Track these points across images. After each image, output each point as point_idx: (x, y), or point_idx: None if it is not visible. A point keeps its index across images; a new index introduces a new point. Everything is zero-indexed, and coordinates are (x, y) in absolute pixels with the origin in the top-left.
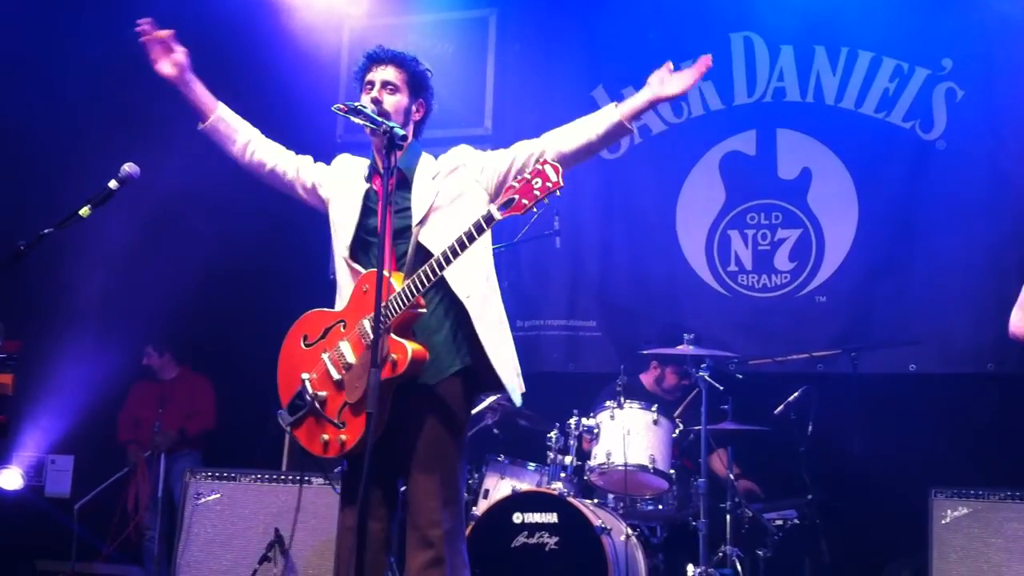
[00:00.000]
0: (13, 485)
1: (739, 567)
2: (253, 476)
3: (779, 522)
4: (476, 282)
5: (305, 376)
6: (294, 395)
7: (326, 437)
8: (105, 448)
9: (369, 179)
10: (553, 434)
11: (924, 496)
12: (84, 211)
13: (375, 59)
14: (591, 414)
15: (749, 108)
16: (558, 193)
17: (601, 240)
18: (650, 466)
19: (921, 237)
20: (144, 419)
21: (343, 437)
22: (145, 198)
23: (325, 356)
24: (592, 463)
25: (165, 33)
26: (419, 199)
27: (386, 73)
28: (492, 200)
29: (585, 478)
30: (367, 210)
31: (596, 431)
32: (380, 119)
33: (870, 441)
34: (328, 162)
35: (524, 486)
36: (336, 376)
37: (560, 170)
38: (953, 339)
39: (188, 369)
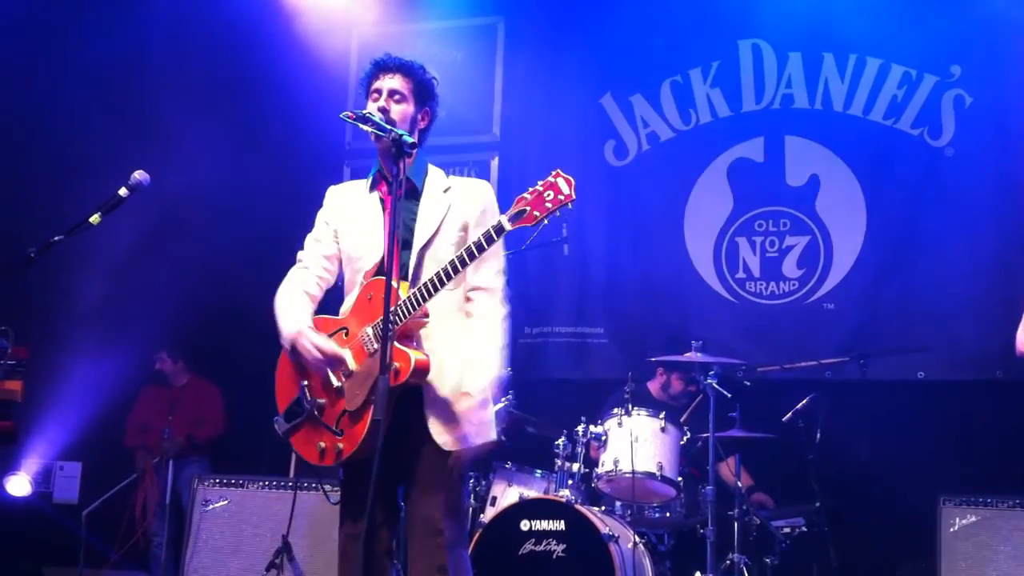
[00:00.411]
0: (21, 491)
1: (747, 575)
2: (261, 483)
3: (787, 529)
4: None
5: (304, 383)
6: (291, 402)
7: (323, 444)
8: (113, 454)
9: (374, 187)
10: (560, 441)
11: (932, 504)
12: (94, 218)
13: (382, 67)
14: (599, 421)
15: (757, 115)
16: (570, 206)
17: (609, 247)
18: (658, 473)
19: (929, 244)
20: (153, 425)
21: (340, 445)
22: (153, 204)
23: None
24: (600, 470)
25: None
26: (429, 211)
27: (393, 82)
28: (459, 246)
29: (593, 485)
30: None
31: (604, 438)
32: (388, 127)
33: (878, 448)
34: (335, 169)
35: (531, 493)
36: (336, 383)
37: (573, 183)
38: (961, 346)
39: (197, 376)
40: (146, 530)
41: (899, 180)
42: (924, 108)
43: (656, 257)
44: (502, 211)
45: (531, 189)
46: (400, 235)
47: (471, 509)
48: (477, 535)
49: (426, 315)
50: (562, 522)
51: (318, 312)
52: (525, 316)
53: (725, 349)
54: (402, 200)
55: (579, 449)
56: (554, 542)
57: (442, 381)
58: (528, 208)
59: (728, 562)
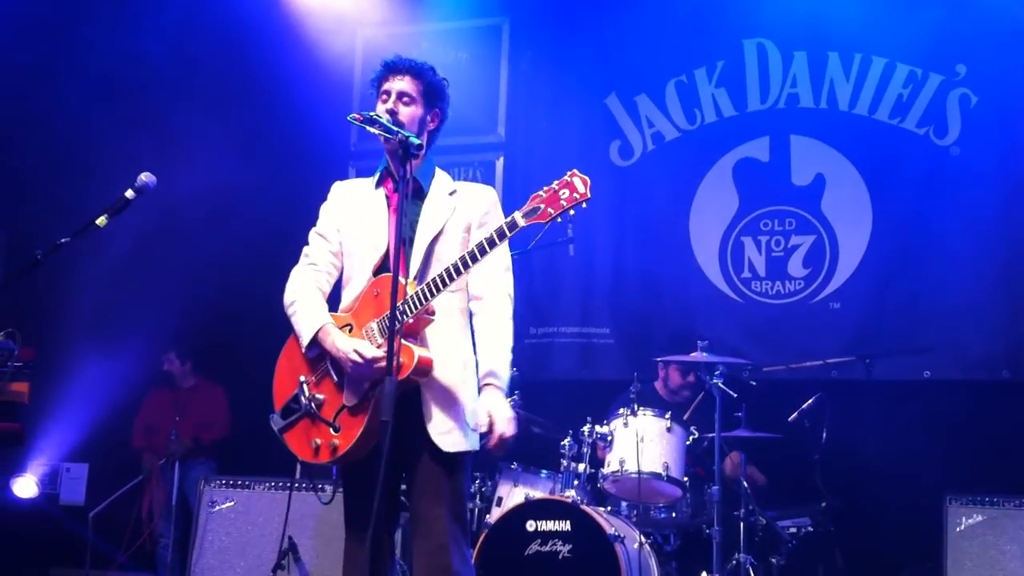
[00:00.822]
0: (28, 493)
1: (753, 575)
2: (267, 484)
3: (793, 530)
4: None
5: (303, 379)
6: (289, 398)
7: (318, 441)
8: (119, 456)
9: (380, 184)
10: (566, 441)
11: (939, 503)
12: (101, 220)
13: (392, 68)
14: (604, 421)
15: (762, 114)
16: (584, 205)
17: (614, 247)
18: (664, 474)
19: (935, 243)
20: (159, 426)
21: (336, 442)
22: (159, 205)
23: (328, 359)
24: (605, 470)
25: None
26: (434, 211)
27: (402, 83)
28: (463, 248)
29: (598, 485)
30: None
31: (609, 438)
32: (395, 128)
33: (884, 448)
34: (340, 170)
35: (537, 494)
36: (336, 379)
37: (589, 182)
38: (967, 346)
39: (204, 377)
40: (152, 531)
41: (905, 179)
42: (930, 107)
43: (661, 257)
44: (515, 208)
45: (546, 188)
46: (404, 233)
47: (477, 510)
48: (483, 536)
49: (432, 312)
50: (568, 522)
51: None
52: (531, 317)
53: (731, 349)
54: (408, 199)
55: (585, 449)
56: (560, 542)
57: (441, 381)
58: (543, 206)
59: (734, 562)
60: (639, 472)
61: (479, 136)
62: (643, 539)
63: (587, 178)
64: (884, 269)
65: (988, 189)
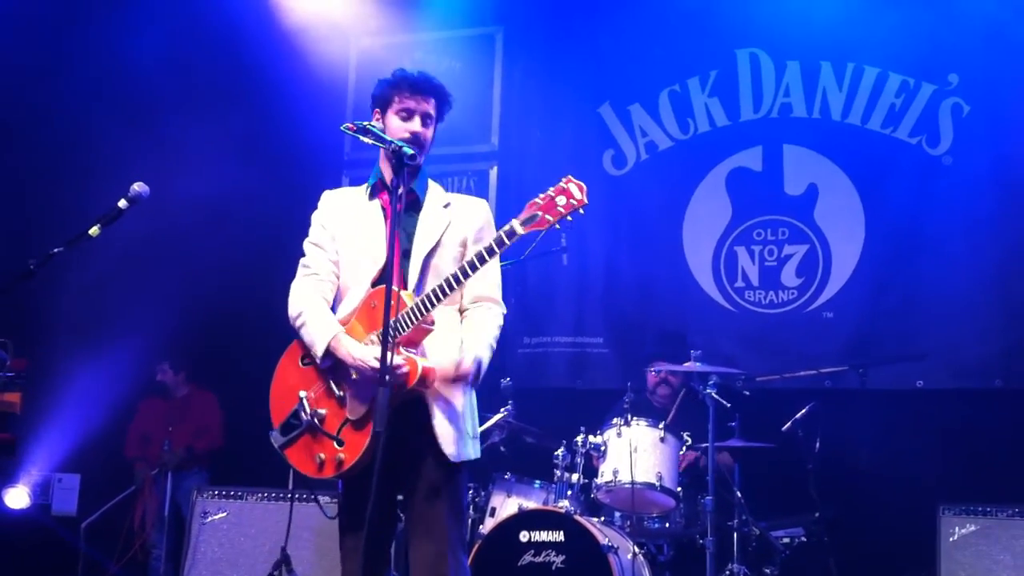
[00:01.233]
0: (20, 504)
1: None
2: (260, 495)
3: (786, 540)
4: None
5: (303, 394)
6: (288, 414)
7: (323, 456)
8: (112, 466)
9: (375, 195)
10: (560, 452)
11: (932, 513)
12: (93, 230)
13: (419, 89)
14: (598, 431)
15: (755, 124)
16: (581, 211)
17: (608, 257)
18: (657, 484)
19: (928, 252)
20: (152, 436)
21: (341, 456)
22: (153, 214)
23: (328, 374)
24: (599, 480)
25: None
26: (430, 224)
27: (427, 106)
28: (458, 261)
29: (592, 496)
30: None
31: (603, 448)
32: (389, 139)
33: (878, 457)
34: (334, 179)
35: (531, 504)
36: (339, 392)
37: (585, 188)
38: (960, 354)
39: (198, 387)
40: (145, 542)
41: (897, 188)
42: (922, 116)
43: (655, 266)
44: (509, 218)
45: (542, 194)
46: (401, 245)
47: (471, 520)
48: (476, 546)
49: (432, 323)
50: (561, 533)
51: None
52: (524, 326)
53: (724, 358)
54: (403, 211)
55: (578, 459)
56: (553, 553)
57: (443, 390)
58: (540, 213)
59: (728, 572)
60: (632, 482)
61: (472, 145)
62: (637, 549)
63: (583, 184)
64: (877, 278)
65: (981, 198)
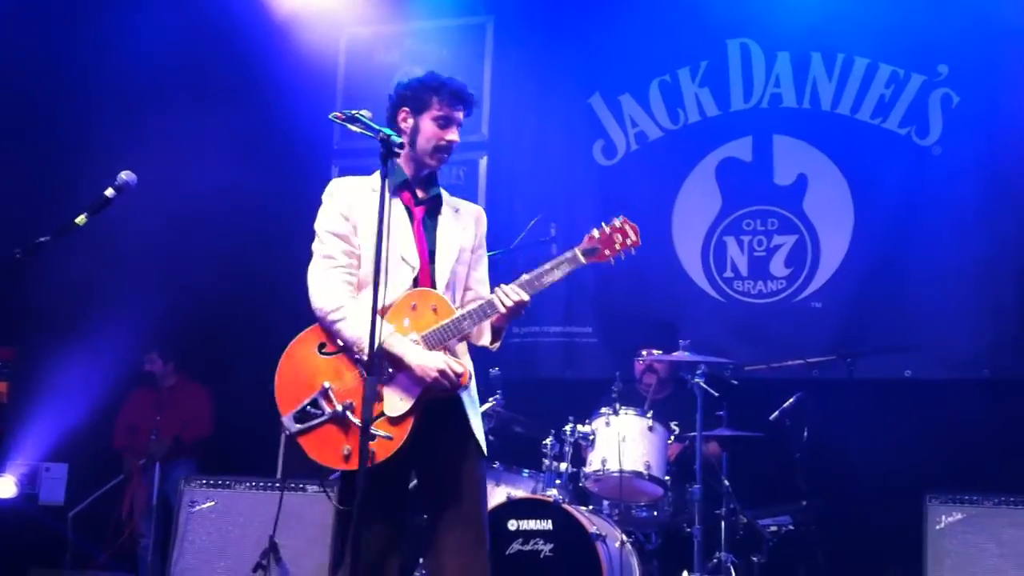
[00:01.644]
0: (7, 493)
1: (734, 573)
2: (248, 484)
3: (774, 528)
4: None
5: (328, 384)
6: (305, 402)
7: (349, 448)
8: (100, 456)
9: (397, 194)
10: (548, 441)
11: (919, 502)
12: (80, 219)
13: (465, 102)
14: (586, 421)
15: (745, 114)
16: (633, 251)
17: None
18: (645, 472)
19: (917, 243)
20: (141, 426)
21: (373, 449)
22: (141, 204)
23: (360, 364)
24: (587, 470)
25: None
26: (451, 229)
27: (461, 115)
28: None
29: (580, 485)
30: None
31: (591, 437)
32: (377, 127)
33: (866, 447)
34: (323, 169)
35: (519, 493)
36: (376, 389)
37: (639, 231)
38: (949, 345)
39: (186, 377)
40: (133, 531)
41: (886, 179)
42: (911, 107)
43: (644, 257)
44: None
45: (600, 230)
46: (428, 248)
47: None
48: None
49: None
50: (549, 522)
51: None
52: None
53: (713, 348)
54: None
55: (567, 449)
56: (541, 542)
57: (471, 391)
58: (600, 247)
59: (715, 561)
60: (621, 471)
61: (462, 135)
62: (625, 538)
63: (637, 226)
64: (866, 268)
65: (970, 189)
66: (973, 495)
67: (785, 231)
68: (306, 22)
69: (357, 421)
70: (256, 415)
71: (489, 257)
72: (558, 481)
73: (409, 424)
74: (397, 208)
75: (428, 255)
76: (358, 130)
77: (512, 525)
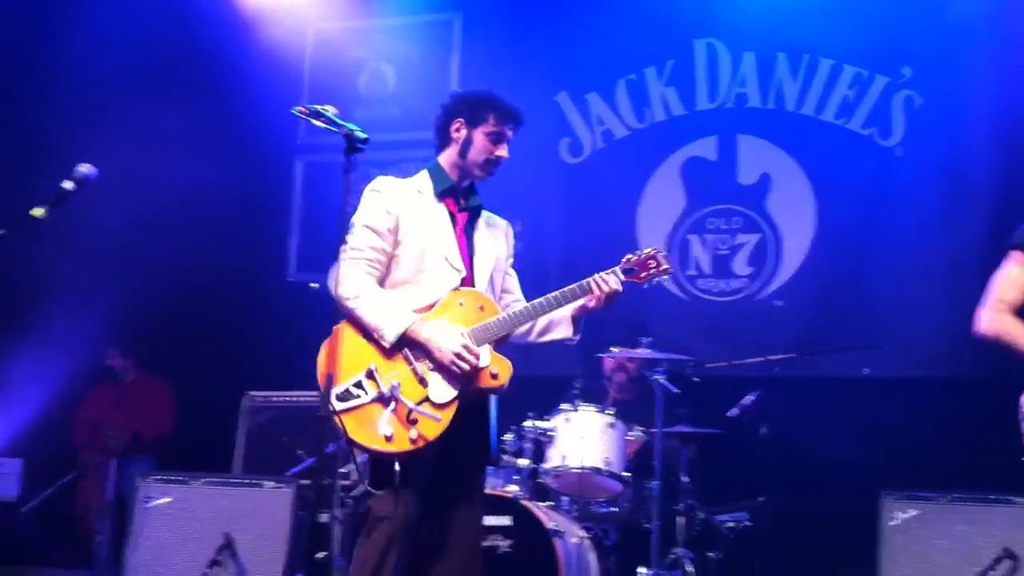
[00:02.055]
0: None
1: (691, 569)
2: (205, 480)
3: (731, 524)
4: None
5: (374, 366)
6: (350, 382)
7: (391, 430)
8: (56, 451)
9: (442, 199)
10: (509, 437)
11: (876, 498)
12: (38, 212)
13: (517, 122)
14: (546, 417)
15: (711, 114)
16: (666, 277)
17: (563, 243)
18: (605, 469)
19: (878, 243)
20: (101, 422)
21: (414, 433)
22: (102, 199)
23: (408, 352)
24: (547, 466)
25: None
26: (489, 239)
27: (512, 135)
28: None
29: (540, 481)
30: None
31: (552, 434)
32: (341, 122)
33: (825, 444)
34: (287, 164)
35: None
36: (420, 372)
37: (669, 258)
38: (908, 344)
39: (147, 373)
40: (88, 527)
41: (849, 179)
42: (875, 108)
43: (609, 254)
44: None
45: (634, 255)
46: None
47: None
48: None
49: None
50: (508, 518)
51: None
52: None
53: (677, 345)
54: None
55: (527, 445)
56: (500, 537)
57: (494, 398)
58: (636, 268)
59: (672, 556)
60: (581, 467)
61: (428, 132)
62: (583, 533)
63: (667, 255)
64: (827, 268)
65: (931, 190)
66: (928, 492)
67: (748, 230)
68: (273, 16)
69: (407, 401)
70: (216, 411)
71: None
72: (517, 477)
73: (453, 409)
74: (441, 212)
75: (468, 261)
76: (322, 125)
77: None
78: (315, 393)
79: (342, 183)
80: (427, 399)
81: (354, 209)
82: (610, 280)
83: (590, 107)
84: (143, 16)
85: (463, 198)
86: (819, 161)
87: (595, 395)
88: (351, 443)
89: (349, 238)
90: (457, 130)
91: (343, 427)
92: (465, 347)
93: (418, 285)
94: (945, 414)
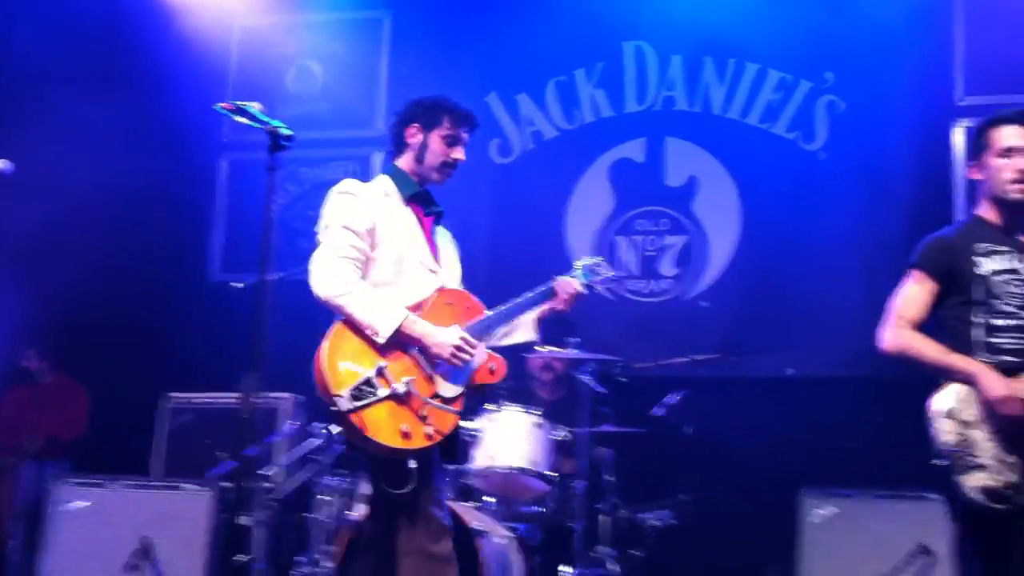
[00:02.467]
0: None
1: (614, 567)
2: (121, 483)
3: (655, 523)
4: None
5: (382, 363)
6: (360, 380)
7: (407, 427)
8: None
9: (409, 203)
10: None
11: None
12: None
13: (472, 124)
14: (472, 417)
15: (639, 116)
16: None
17: (492, 243)
18: (531, 468)
19: (802, 245)
20: (16, 424)
21: (428, 429)
22: (22, 197)
23: (412, 350)
24: (473, 466)
25: None
26: (448, 243)
27: (467, 137)
28: None
29: (466, 481)
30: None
31: (478, 434)
32: (265, 118)
33: (748, 443)
34: (211, 162)
35: None
36: (427, 368)
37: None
38: (831, 344)
39: (63, 375)
40: (2, 532)
41: (774, 183)
42: (799, 113)
43: (538, 255)
44: None
45: (564, 277)
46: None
47: (337, 507)
48: (346, 533)
49: None
50: None
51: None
52: None
53: (604, 346)
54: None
55: None
56: None
57: None
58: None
59: (595, 555)
60: (507, 468)
61: (358, 129)
62: (508, 534)
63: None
64: (752, 270)
65: (853, 193)
66: (847, 490)
67: (675, 232)
68: (198, 10)
69: (423, 396)
70: (134, 413)
71: None
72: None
73: (461, 403)
74: (411, 217)
75: (439, 264)
76: (245, 122)
77: None
78: (236, 395)
79: (266, 181)
80: (437, 395)
81: (279, 207)
82: (573, 283)
83: (520, 108)
84: (63, 4)
85: (428, 203)
86: (744, 164)
87: (521, 395)
88: (366, 442)
89: (326, 238)
90: (413, 135)
91: (361, 426)
92: (464, 339)
93: (398, 287)
94: (867, 412)
